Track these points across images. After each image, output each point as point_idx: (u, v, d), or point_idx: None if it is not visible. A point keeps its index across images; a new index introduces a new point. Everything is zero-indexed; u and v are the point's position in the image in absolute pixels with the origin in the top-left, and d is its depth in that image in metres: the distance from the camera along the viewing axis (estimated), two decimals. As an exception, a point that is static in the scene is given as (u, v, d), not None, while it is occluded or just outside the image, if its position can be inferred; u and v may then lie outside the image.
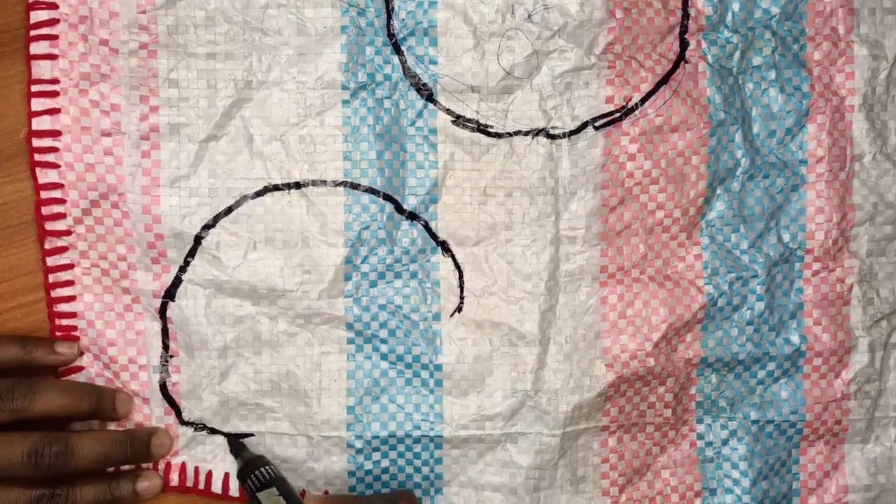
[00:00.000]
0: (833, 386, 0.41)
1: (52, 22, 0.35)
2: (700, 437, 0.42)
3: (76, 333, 0.37)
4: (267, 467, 0.36)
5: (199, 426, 0.39)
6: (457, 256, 0.39)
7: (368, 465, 0.40)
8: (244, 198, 0.37)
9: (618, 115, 0.38)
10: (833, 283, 0.41)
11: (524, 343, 0.39)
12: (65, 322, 0.37)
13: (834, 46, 0.40)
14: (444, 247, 0.39)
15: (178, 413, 0.39)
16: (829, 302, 0.41)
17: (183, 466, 0.39)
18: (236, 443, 0.39)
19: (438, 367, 0.39)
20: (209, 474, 0.39)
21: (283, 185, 0.38)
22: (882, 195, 0.40)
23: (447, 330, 0.39)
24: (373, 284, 0.39)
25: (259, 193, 0.38)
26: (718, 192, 0.40)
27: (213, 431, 0.39)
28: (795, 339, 0.41)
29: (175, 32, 0.36)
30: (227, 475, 0.39)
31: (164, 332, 0.38)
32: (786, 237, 0.40)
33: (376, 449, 0.40)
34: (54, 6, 0.35)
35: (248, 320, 0.38)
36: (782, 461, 0.42)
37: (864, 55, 0.40)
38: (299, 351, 0.39)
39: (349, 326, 0.39)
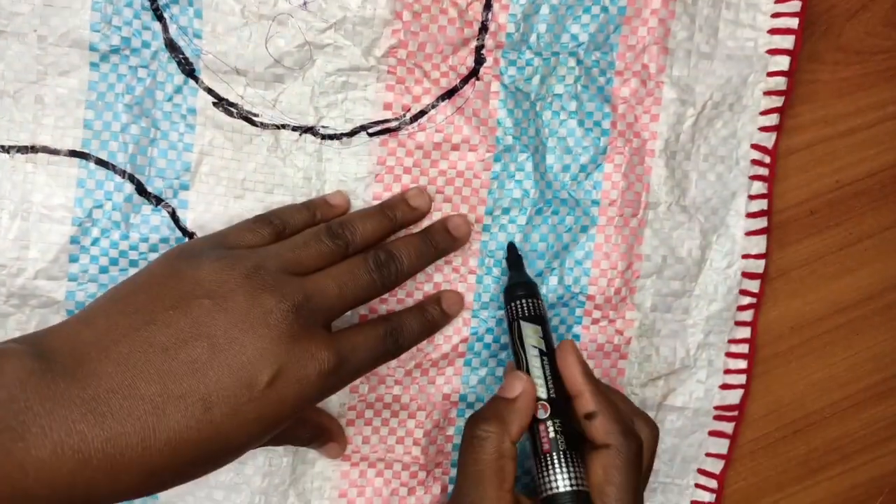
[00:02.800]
0: (599, 443, 0.40)
1: None
2: (453, 482, 0.40)
3: None
4: (538, 301, 0.36)
5: None
6: (205, 252, 0.37)
7: None
8: (-38, 154, 0.35)
9: (394, 124, 0.37)
10: (612, 334, 0.40)
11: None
12: None
13: (643, 84, 0.39)
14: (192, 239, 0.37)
15: None
16: (604, 353, 0.40)
17: None
18: (516, 255, 0.38)
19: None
20: None
21: (8, 147, 0.35)
22: (673, 248, 0.40)
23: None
24: (103, 270, 0.37)
25: (-20, 152, 0.35)
26: (502, 221, 0.39)
27: None
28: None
29: None
30: None
31: None
32: (568, 280, 0.40)
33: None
34: None
35: (-46, 292, 0.36)
36: (537, 516, 0.40)
37: (673, 98, 0.39)
38: (10, 335, 0.36)
39: (70, 313, 0.36)
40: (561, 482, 0.32)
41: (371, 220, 0.35)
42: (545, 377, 0.34)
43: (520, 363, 0.35)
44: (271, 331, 0.28)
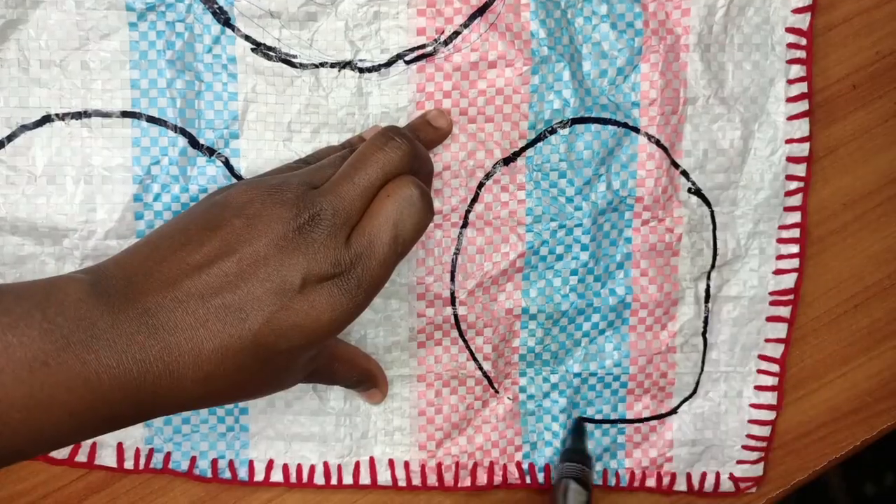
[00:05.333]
0: (659, 338, 0.43)
1: None
2: (522, 390, 0.43)
3: None
4: (589, 471, 0.41)
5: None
6: (262, 196, 0.39)
7: None
8: (21, 128, 0.37)
9: (430, 48, 0.38)
10: (662, 233, 0.42)
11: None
12: None
13: (671, -21, 0.40)
14: (248, 186, 0.39)
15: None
16: (657, 252, 0.42)
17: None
18: (582, 427, 0.43)
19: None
20: None
21: (63, 114, 0.37)
22: (714, 142, 0.41)
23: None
24: (168, 224, 0.39)
25: (38, 124, 0.37)
26: (544, 134, 0.40)
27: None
28: (621, 290, 0.42)
29: (-66, -57, 0.35)
30: None
31: (-58, 272, 0.38)
32: (616, 185, 0.41)
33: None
34: None
35: (32, 261, 0.38)
36: (605, 415, 0.43)
37: (702, -10, 0.40)
38: (89, 293, 0.39)
39: (143, 268, 0.39)
40: None
41: None
42: None
43: None
44: (291, 242, 0.30)
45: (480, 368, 0.42)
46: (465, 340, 0.42)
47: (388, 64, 0.39)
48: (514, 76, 0.39)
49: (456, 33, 0.39)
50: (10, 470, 0.41)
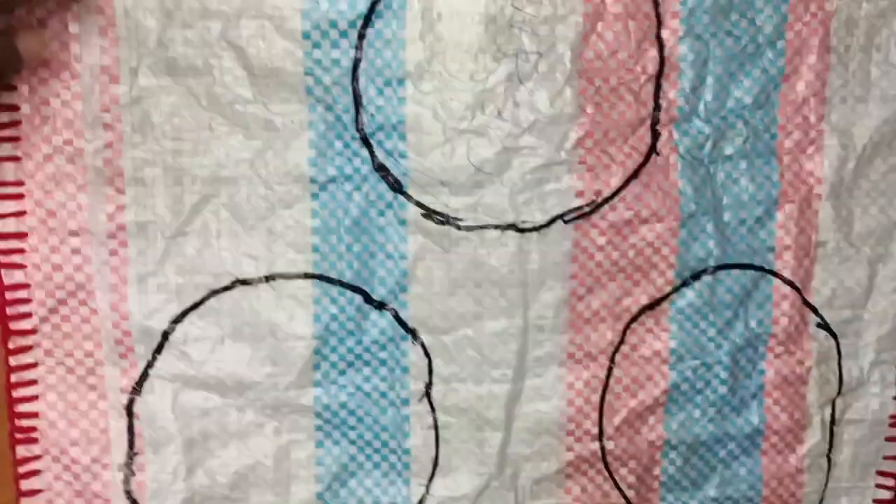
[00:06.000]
0: (789, 461, 0.46)
1: (15, 124, 0.37)
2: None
3: (36, 435, 0.40)
4: None
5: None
6: (426, 343, 0.42)
7: None
8: (212, 293, 0.40)
9: (587, 209, 0.41)
10: (793, 365, 0.45)
11: (491, 428, 0.43)
12: (25, 423, 0.40)
13: (804, 135, 0.43)
14: (414, 334, 0.42)
15: (143, 512, 0.42)
16: (788, 383, 0.45)
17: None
18: None
19: (406, 451, 0.43)
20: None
21: (250, 279, 0.40)
22: (842, 280, 0.44)
23: (415, 414, 0.42)
24: (342, 373, 0.42)
25: (227, 288, 0.40)
26: (689, 280, 0.43)
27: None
28: (755, 419, 0.45)
29: (140, 130, 0.38)
30: None
31: (130, 430, 0.41)
32: (752, 323, 0.44)
33: (345, 532, 0.43)
34: (15, 108, 0.37)
35: (215, 412, 0.41)
36: (739, 534, 0.46)
37: (834, 144, 0.43)
38: (267, 440, 0.42)
39: (318, 415, 0.42)
40: None
41: None
42: None
43: None
44: None
45: (624, 496, 0.45)
46: (609, 472, 0.45)
47: (548, 224, 0.42)
48: (664, 230, 0.42)
49: (613, 194, 0.42)
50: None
